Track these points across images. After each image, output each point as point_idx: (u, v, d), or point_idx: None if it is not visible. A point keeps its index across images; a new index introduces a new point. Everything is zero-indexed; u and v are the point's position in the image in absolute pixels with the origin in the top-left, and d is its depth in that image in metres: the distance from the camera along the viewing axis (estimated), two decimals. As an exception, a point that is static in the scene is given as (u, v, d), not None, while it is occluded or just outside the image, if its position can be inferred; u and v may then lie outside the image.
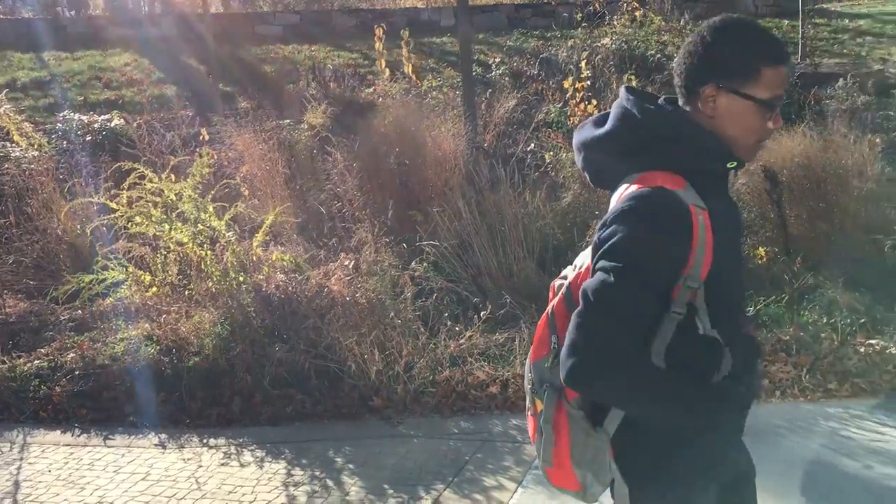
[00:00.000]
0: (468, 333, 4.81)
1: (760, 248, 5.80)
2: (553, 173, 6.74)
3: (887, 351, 4.51)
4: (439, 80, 8.77)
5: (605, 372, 1.48)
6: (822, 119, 6.32)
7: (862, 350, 4.55)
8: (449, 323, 5.02)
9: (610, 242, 1.49)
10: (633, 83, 6.74)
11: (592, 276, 1.51)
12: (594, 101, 6.64)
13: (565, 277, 1.72)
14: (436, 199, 5.95)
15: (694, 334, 1.52)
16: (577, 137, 1.70)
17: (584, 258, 1.69)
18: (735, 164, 1.60)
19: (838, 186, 5.94)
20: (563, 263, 5.38)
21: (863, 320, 4.91)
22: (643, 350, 1.52)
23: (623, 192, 1.56)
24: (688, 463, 1.57)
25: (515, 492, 3.65)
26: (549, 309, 1.65)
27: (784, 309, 5.07)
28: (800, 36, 8.91)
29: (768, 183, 5.12)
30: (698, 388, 1.55)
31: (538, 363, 1.66)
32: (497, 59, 9.48)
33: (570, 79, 6.71)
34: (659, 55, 8.73)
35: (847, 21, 10.32)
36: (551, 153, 6.79)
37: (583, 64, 6.86)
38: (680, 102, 1.64)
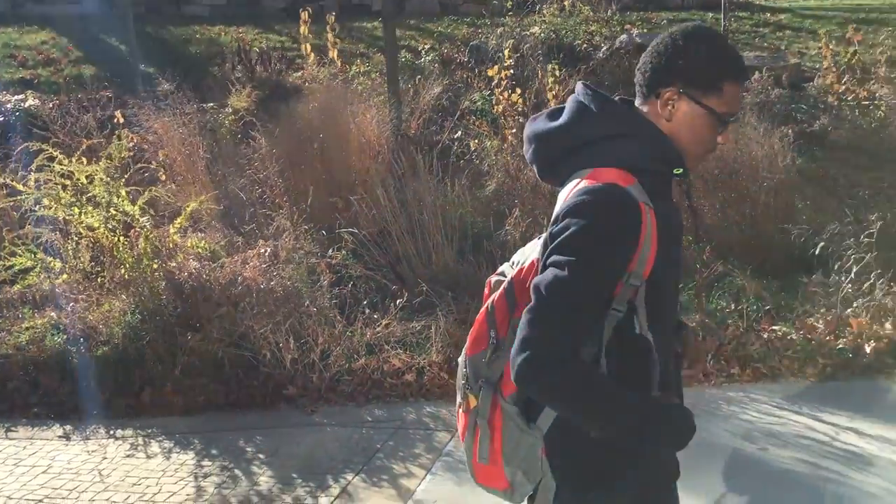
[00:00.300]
0: (385, 321, 4.80)
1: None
2: (477, 161, 6.77)
3: (788, 337, 4.68)
4: (368, 66, 8.69)
5: (558, 368, 1.46)
6: (736, 111, 6.49)
7: (765, 336, 4.71)
8: (367, 311, 5.00)
9: (563, 237, 1.48)
10: (557, 72, 6.79)
11: (544, 271, 1.50)
12: (518, 90, 6.66)
13: (503, 274, 1.70)
14: (359, 186, 5.91)
15: (629, 334, 1.53)
16: (529, 129, 1.69)
17: (525, 254, 1.67)
18: (681, 171, 1.61)
19: (749, 177, 6.12)
20: (483, 252, 5.43)
21: (768, 307, 5.08)
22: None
23: (574, 188, 1.55)
24: (617, 464, 1.58)
25: (424, 479, 3.68)
26: (488, 304, 1.63)
27: (693, 296, 5.21)
28: (722, 28, 9.11)
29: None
30: (642, 403, 1.54)
31: (475, 358, 1.63)
32: (427, 46, 9.44)
33: (496, 67, 6.72)
34: (586, 45, 8.82)
35: (769, 15, 10.59)
36: (476, 141, 6.81)
37: (506, 52, 6.87)
38: (637, 102, 1.65)
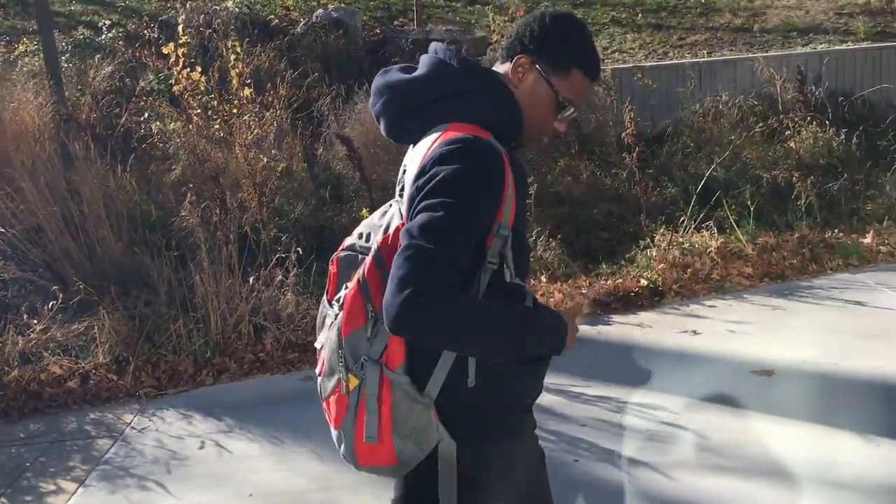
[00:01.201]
0: (40, 326, 4.38)
1: (364, 210, 6.06)
2: (161, 145, 6.40)
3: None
4: (37, 44, 7.87)
5: (439, 301, 1.41)
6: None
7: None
8: (26, 316, 4.54)
9: (433, 183, 1.45)
10: (239, 49, 6.58)
11: (414, 218, 1.45)
12: (199, 68, 6.36)
13: (352, 248, 1.64)
14: (14, 179, 5.32)
15: (501, 284, 1.54)
16: (381, 80, 1.66)
17: (375, 223, 1.63)
18: (515, 145, 1.63)
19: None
20: (154, 241, 5.12)
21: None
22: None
23: (434, 142, 1.52)
24: (503, 414, 1.60)
25: (75, 493, 3.40)
26: (359, 277, 1.53)
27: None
28: (414, 4, 9.40)
29: (345, 147, 5.32)
30: (520, 316, 1.54)
31: (352, 337, 1.53)
32: (110, 21, 8.75)
33: (170, 44, 6.35)
34: (280, 20, 8.67)
35: (462, -11, 11.08)
36: (158, 123, 6.43)
37: (180, 28, 6.51)
38: (496, 65, 1.68)
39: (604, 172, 6.28)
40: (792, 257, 5.18)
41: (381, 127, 1.69)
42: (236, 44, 6.65)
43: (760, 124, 6.88)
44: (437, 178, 1.46)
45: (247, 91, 6.36)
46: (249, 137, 6.11)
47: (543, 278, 4.99)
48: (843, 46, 8.49)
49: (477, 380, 1.55)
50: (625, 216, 5.77)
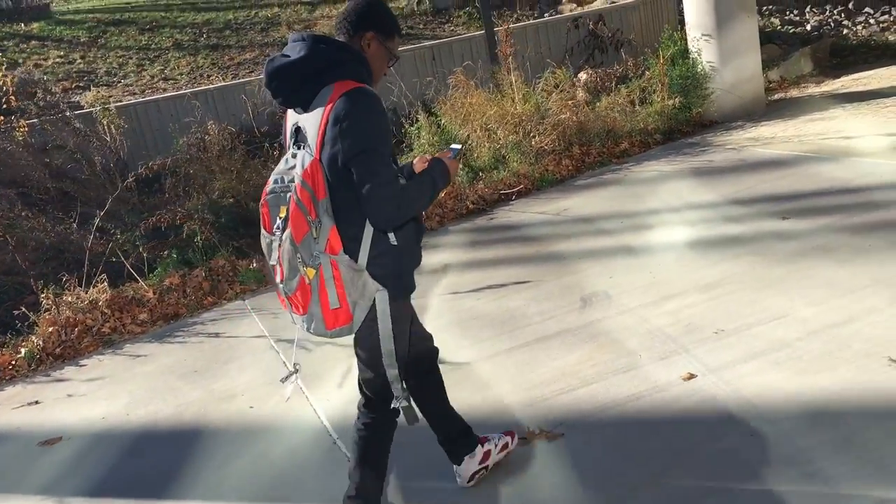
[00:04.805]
0: None
1: None
2: None
3: None
4: None
5: (403, 200, 2.22)
6: None
7: None
8: None
9: (353, 134, 2.15)
10: None
11: (355, 162, 2.16)
12: None
13: (273, 191, 2.27)
14: None
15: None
16: (271, 66, 2.29)
17: (298, 161, 2.23)
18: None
19: None
20: None
21: None
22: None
23: (331, 98, 2.19)
24: (406, 268, 2.39)
25: None
26: (294, 199, 2.17)
27: None
28: None
29: None
30: (426, 175, 2.41)
31: (304, 241, 2.18)
32: None
33: None
34: None
35: (22, 25, 10.51)
36: None
37: None
38: (342, 38, 2.37)
39: (48, 225, 6.14)
40: (193, 293, 5.35)
41: (278, 101, 2.32)
42: None
43: (243, 149, 7.06)
44: (356, 128, 2.15)
45: None
46: None
47: None
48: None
49: (394, 245, 2.31)
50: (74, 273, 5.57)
